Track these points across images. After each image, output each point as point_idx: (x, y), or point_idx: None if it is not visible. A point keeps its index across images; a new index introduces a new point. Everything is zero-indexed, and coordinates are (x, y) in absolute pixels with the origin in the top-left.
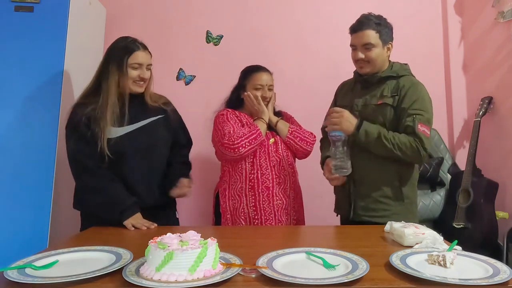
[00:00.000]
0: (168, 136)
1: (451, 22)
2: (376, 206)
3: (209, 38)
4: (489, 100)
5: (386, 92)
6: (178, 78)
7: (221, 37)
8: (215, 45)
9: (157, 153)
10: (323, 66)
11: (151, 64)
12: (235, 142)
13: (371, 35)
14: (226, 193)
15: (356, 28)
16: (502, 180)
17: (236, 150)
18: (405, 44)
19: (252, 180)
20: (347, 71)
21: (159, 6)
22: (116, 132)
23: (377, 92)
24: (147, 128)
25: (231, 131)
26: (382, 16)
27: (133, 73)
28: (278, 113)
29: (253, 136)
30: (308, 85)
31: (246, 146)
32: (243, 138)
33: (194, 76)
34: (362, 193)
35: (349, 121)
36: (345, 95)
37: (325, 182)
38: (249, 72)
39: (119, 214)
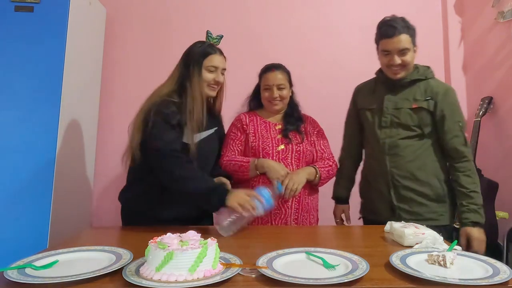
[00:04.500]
0: (218, 148)
1: (451, 22)
2: (420, 209)
3: (209, 38)
4: (489, 100)
5: (419, 96)
6: None
7: (221, 37)
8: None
9: (211, 162)
10: (324, 66)
11: (225, 69)
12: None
13: (406, 40)
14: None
15: (391, 33)
16: (502, 180)
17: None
18: None
19: (254, 186)
20: (348, 71)
21: (159, 6)
22: (196, 139)
23: (408, 95)
24: (210, 138)
25: (231, 156)
26: (404, 18)
27: (209, 76)
28: (299, 118)
29: (240, 171)
30: (308, 85)
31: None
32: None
33: None
34: (403, 196)
35: (481, 237)
36: (366, 98)
37: None
38: (261, 73)
39: (218, 200)
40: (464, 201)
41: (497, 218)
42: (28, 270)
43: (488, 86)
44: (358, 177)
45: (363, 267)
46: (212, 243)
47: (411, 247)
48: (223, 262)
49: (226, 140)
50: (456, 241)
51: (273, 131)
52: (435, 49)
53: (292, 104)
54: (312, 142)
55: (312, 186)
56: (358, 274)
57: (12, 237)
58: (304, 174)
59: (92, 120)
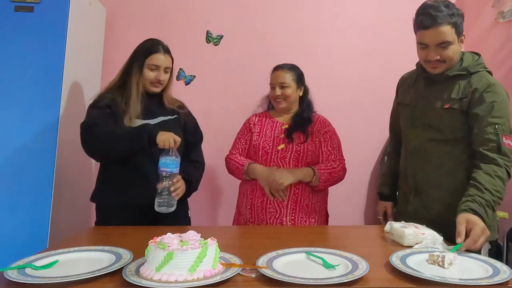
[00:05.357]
0: (180, 136)
1: None
2: (442, 221)
3: (209, 38)
4: None
5: (454, 94)
6: (178, 78)
7: (221, 37)
8: (215, 45)
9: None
10: (324, 66)
11: (169, 68)
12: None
13: (447, 32)
14: (239, 189)
15: (428, 24)
16: None
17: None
18: (405, 44)
19: (253, 184)
20: (348, 71)
21: (159, 6)
22: (134, 124)
23: (443, 93)
24: (162, 125)
25: (232, 156)
26: (450, 2)
27: (150, 74)
28: (308, 119)
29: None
30: (308, 86)
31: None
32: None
33: (194, 76)
34: (426, 205)
35: (483, 228)
36: (406, 91)
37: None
38: (271, 73)
39: (148, 137)
40: (471, 191)
41: (497, 218)
42: (28, 270)
43: None
44: None
45: (363, 267)
46: (212, 243)
47: (411, 247)
48: (223, 262)
49: (235, 138)
50: (459, 244)
51: (278, 130)
52: None
53: (303, 104)
54: (317, 143)
55: (314, 189)
56: (358, 274)
57: (12, 237)
58: (297, 174)
59: None
